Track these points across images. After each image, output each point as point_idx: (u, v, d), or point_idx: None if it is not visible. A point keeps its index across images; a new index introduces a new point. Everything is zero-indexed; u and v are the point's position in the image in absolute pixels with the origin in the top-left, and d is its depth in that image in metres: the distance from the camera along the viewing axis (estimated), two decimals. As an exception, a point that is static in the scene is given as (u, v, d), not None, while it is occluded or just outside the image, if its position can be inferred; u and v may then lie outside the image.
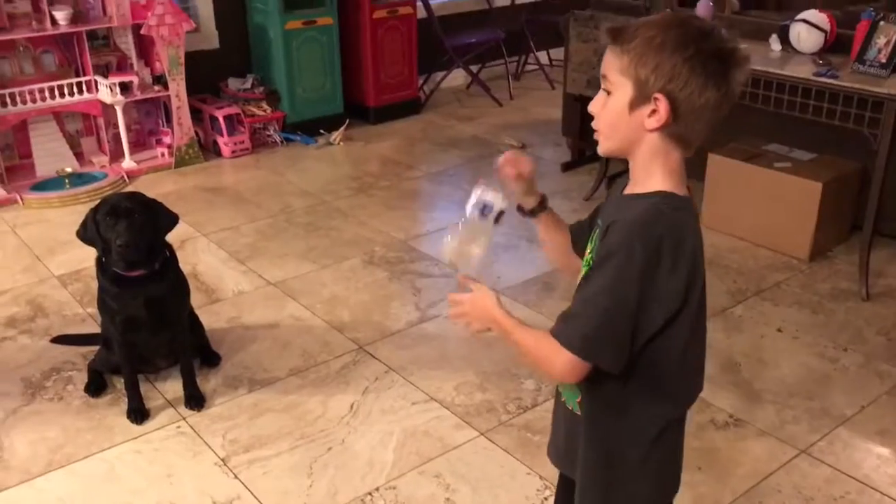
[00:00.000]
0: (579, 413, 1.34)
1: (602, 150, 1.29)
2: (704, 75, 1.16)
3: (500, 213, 1.38)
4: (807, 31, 3.37)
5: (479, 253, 1.39)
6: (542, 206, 1.51)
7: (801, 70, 3.19)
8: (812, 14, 3.39)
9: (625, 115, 1.22)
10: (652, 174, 1.24)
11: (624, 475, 1.33)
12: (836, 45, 3.36)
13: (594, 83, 4.18)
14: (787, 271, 3.34)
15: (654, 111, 1.19)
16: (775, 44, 3.49)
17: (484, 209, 1.38)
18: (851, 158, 3.49)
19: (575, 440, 1.37)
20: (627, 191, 1.29)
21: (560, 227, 1.51)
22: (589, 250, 1.34)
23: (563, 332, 1.21)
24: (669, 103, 1.17)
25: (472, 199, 1.39)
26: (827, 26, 3.34)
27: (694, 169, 4.08)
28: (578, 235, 1.46)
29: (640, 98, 1.20)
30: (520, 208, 1.50)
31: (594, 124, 1.28)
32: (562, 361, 1.20)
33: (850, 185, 3.51)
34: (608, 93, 1.24)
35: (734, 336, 2.88)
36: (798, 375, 2.69)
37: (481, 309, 1.34)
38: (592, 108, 1.28)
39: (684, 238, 1.18)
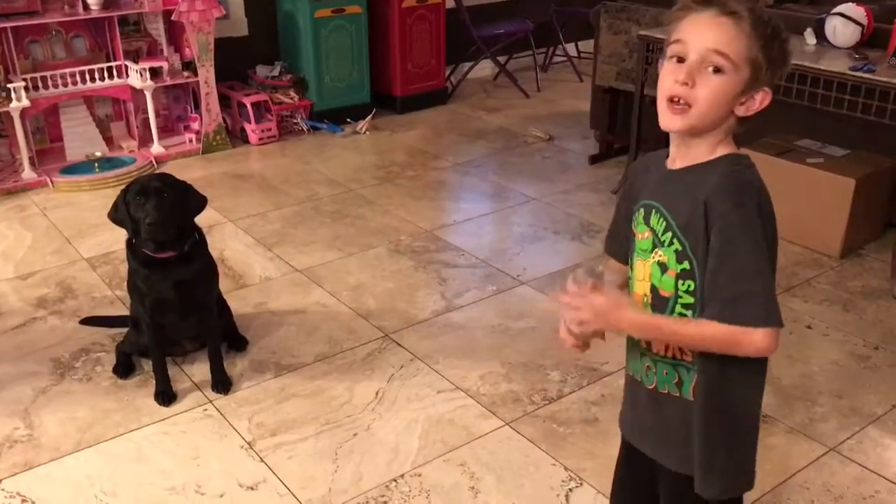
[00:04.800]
0: (691, 398, 1.32)
1: (683, 125, 1.23)
2: (785, 69, 1.21)
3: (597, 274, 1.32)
4: (843, 25, 3.32)
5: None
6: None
7: (837, 64, 3.14)
8: (848, 7, 3.34)
9: (732, 98, 1.20)
10: (717, 147, 1.25)
11: (740, 441, 1.36)
12: (872, 40, 3.31)
13: (624, 75, 4.15)
14: (818, 268, 3.30)
15: (750, 99, 1.20)
16: (810, 38, 3.44)
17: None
18: (886, 155, 3.44)
19: (671, 423, 1.36)
20: (680, 164, 1.28)
21: (621, 274, 1.46)
22: (645, 232, 1.31)
23: (746, 313, 1.18)
24: (769, 96, 1.20)
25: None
26: (864, 20, 3.29)
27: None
28: (616, 236, 1.46)
29: (752, 86, 1.20)
30: None
31: (682, 94, 1.21)
32: (759, 339, 1.19)
33: (884, 181, 3.45)
34: (718, 70, 1.19)
35: (763, 332, 2.84)
36: (828, 373, 2.66)
37: (607, 312, 1.27)
38: (683, 76, 1.20)
39: (765, 189, 1.22)
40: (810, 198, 3.40)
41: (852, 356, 2.74)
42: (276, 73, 4.96)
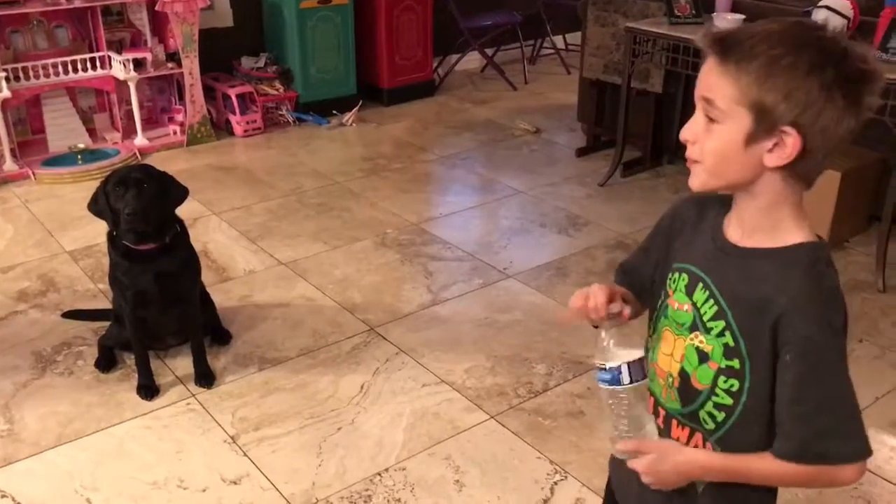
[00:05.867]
0: (700, 488, 1.18)
1: (699, 184, 1.09)
2: (843, 103, 0.98)
3: (632, 366, 1.11)
4: (829, 18, 3.31)
5: (643, 422, 1.15)
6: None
7: (823, 57, 3.14)
8: (835, 0, 3.33)
9: (739, 148, 1.03)
10: (781, 221, 1.07)
11: None
12: (858, 33, 3.31)
13: (611, 67, 4.14)
14: (803, 261, 3.30)
15: (776, 145, 1.01)
16: (797, 30, 3.43)
17: (612, 376, 1.11)
18: (871, 148, 3.44)
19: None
20: (740, 235, 1.11)
21: (630, 299, 1.26)
22: (685, 304, 1.14)
23: (837, 450, 1.05)
24: (801, 137, 0.99)
25: (600, 377, 1.13)
26: (850, 13, 3.29)
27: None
28: (637, 273, 1.28)
29: (762, 130, 1.01)
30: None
31: (690, 153, 1.08)
32: (852, 474, 1.06)
33: (870, 175, 3.46)
34: (712, 120, 1.05)
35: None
36: (812, 366, 2.66)
37: (674, 466, 1.13)
38: (687, 135, 1.08)
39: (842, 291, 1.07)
40: (796, 191, 3.40)
41: (837, 349, 2.75)
42: (261, 64, 4.92)
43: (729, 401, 1.10)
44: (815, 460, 1.05)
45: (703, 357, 1.11)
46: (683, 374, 1.14)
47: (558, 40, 6.23)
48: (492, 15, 5.71)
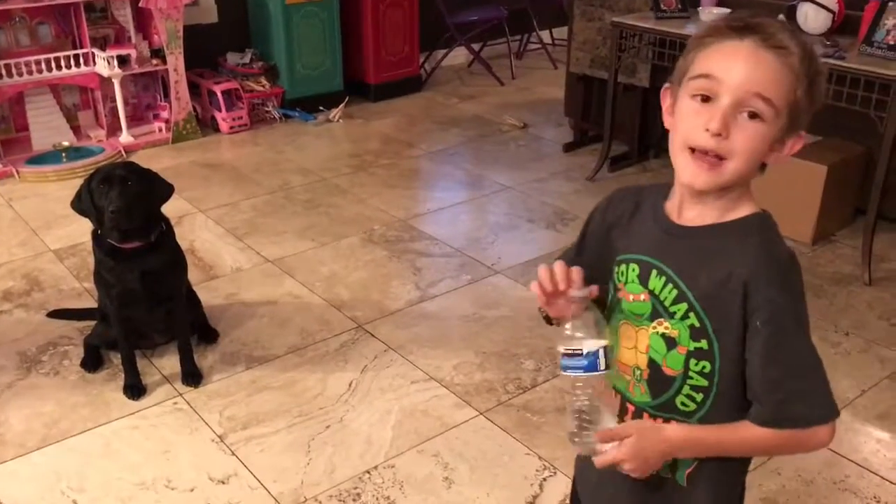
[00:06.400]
0: (684, 484, 1.16)
1: (712, 183, 1.05)
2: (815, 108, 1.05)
3: (598, 354, 1.09)
4: (814, 12, 3.32)
5: (605, 414, 1.13)
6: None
7: (808, 51, 3.15)
8: (820, -6, 3.34)
9: (767, 147, 1.04)
10: (740, 199, 1.09)
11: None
12: (843, 27, 3.32)
13: (598, 62, 4.14)
14: (790, 255, 3.31)
15: (783, 145, 1.05)
16: (782, 24, 3.44)
17: (577, 363, 1.10)
18: (856, 142, 3.46)
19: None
20: (691, 219, 1.10)
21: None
22: (641, 294, 1.13)
23: (807, 413, 1.06)
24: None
25: (572, 364, 1.10)
26: (835, 7, 3.30)
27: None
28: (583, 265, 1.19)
29: (789, 131, 1.03)
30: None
31: (717, 149, 1.03)
32: (823, 437, 1.07)
33: (855, 168, 3.48)
34: (754, 117, 1.01)
35: (735, 319, 2.85)
36: (799, 359, 2.67)
37: (655, 444, 1.11)
38: (721, 128, 1.01)
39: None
40: (782, 184, 3.41)
41: (823, 342, 2.76)
42: (246, 60, 4.89)
43: (704, 382, 1.10)
44: (788, 424, 1.06)
45: (671, 343, 1.11)
46: (653, 364, 1.13)
47: (545, 35, 6.22)
48: (478, 10, 5.70)
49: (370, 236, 3.50)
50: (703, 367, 1.10)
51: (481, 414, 2.42)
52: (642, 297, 1.13)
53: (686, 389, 1.12)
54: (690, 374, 1.11)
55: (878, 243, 3.24)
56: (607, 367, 1.10)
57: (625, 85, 4.01)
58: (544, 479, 2.17)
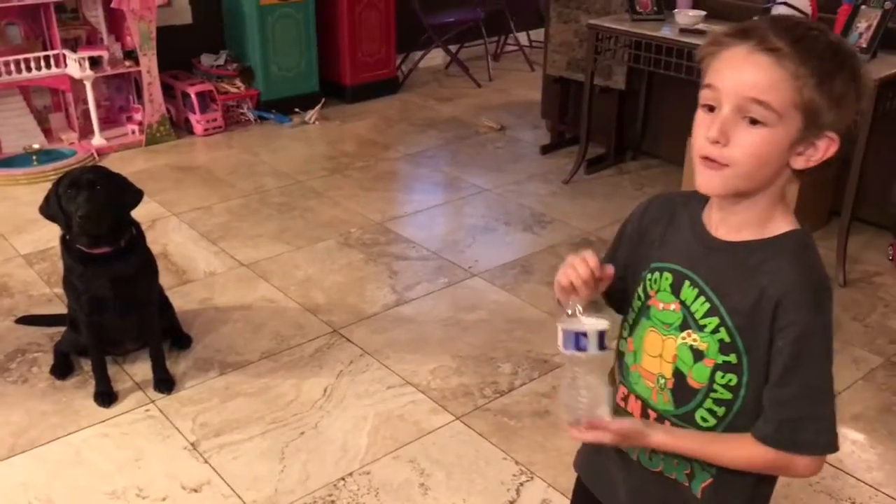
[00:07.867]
0: (698, 496, 1.17)
1: (720, 188, 1.04)
2: (856, 109, 1.02)
3: (602, 335, 1.09)
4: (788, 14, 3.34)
5: (600, 393, 1.13)
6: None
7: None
8: (794, -3, 3.36)
9: (782, 152, 1.01)
10: (774, 214, 1.07)
11: None
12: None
13: (574, 64, 4.14)
14: (765, 256, 3.32)
15: (810, 147, 1.01)
16: (756, 27, 3.46)
17: (578, 342, 1.09)
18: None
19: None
20: (727, 233, 1.09)
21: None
22: (672, 304, 1.13)
23: (807, 439, 1.05)
24: (839, 142, 1.01)
25: (560, 336, 1.10)
26: (808, 10, 3.32)
27: (673, 152, 4.06)
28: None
29: (808, 133, 1.00)
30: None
31: (715, 156, 1.02)
32: (812, 467, 1.08)
33: (829, 170, 3.50)
34: (755, 122, 0.99)
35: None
36: (775, 361, 2.68)
37: (630, 445, 1.16)
38: (718, 135, 1.00)
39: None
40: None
41: (799, 343, 2.77)
42: (221, 61, 4.84)
43: (728, 395, 1.10)
44: (787, 446, 1.06)
45: (699, 355, 1.10)
46: (678, 374, 1.13)
47: (522, 37, 6.23)
48: (455, 11, 5.69)
49: (346, 239, 3.47)
50: (730, 380, 1.09)
51: (458, 419, 2.40)
52: (673, 306, 1.13)
53: (708, 403, 1.11)
54: (715, 386, 1.10)
55: (852, 245, 3.26)
56: (605, 347, 1.10)
57: (601, 87, 4.02)
58: (521, 485, 2.16)
